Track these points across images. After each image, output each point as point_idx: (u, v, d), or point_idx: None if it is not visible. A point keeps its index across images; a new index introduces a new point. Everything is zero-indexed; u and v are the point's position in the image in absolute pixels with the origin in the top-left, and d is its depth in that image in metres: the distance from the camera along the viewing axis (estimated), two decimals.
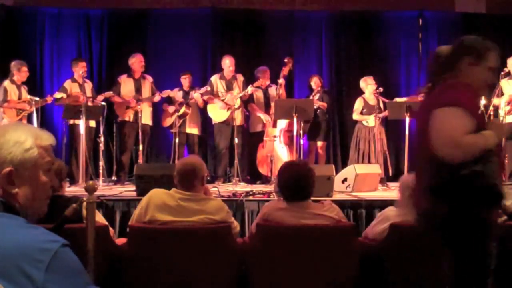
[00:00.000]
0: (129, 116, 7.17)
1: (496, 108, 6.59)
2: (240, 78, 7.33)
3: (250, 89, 7.04)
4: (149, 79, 7.39)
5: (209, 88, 7.16)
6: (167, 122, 7.42)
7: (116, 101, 7.14)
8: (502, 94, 6.70)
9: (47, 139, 1.35)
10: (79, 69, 7.06)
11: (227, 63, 7.25)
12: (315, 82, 7.55)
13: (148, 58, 8.31)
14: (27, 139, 1.29)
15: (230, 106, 7.05)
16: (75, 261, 1.21)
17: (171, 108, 7.33)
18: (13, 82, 6.80)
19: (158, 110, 7.64)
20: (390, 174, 7.03)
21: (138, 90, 7.23)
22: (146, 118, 7.16)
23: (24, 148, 1.28)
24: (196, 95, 7.20)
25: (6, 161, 1.27)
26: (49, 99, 6.85)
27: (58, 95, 6.97)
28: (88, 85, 7.22)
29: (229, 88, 7.23)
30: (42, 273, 1.13)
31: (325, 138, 7.69)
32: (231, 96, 7.10)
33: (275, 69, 7.32)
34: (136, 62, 7.22)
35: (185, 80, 7.44)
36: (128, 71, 7.29)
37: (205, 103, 7.31)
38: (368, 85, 7.21)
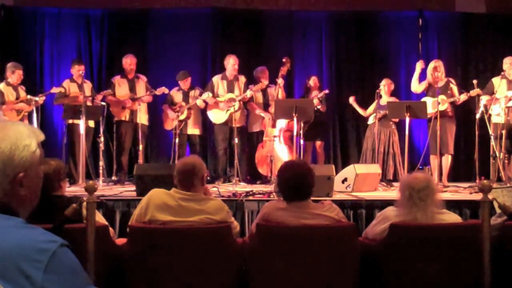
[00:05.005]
0: (125, 116, 7.17)
1: (485, 106, 6.57)
2: (242, 79, 7.31)
3: (249, 92, 7.04)
4: (143, 78, 7.38)
5: (210, 95, 7.14)
6: (169, 125, 7.40)
7: (112, 101, 7.13)
8: (492, 92, 6.69)
9: (40, 134, 1.36)
10: (75, 71, 7.08)
11: (231, 61, 7.22)
12: (313, 81, 7.52)
13: (148, 58, 8.35)
14: (32, 141, 1.31)
15: (228, 107, 7.04)
16: (73, 261, 1.21)
17: (171, 114, 7.28)
18: (8, 84, 6.79)
19: (156, 111, 7.64)
20: (391, 176, 6.98)
21: (132, 89, 7.22)
22: (142, 118, 7.14)
23: (31, 150, 1.30)
24: (199, 102, 7.20)
25: (18, 166, 1.27)
26: (40, 100, 6.82)
27: (56, 90, 6.99)
28: (88, 85, 7.20)
29: (230, 89, 7.21)
30: (41, 273, 1.13)
31: (322, 138, 7.69)
32: (227, 99, 7.08)
33: (275, 69, 7.31)
34: (126, 64, 7.25)
35: (184, 83, 7.41)
36: (122, 72, 7.29)
37: (206, 104, 7.30)
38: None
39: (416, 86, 7.07)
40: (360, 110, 7.50)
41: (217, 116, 7.24)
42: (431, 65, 6.91)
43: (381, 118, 7.01)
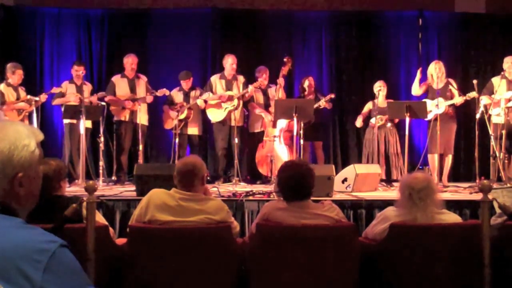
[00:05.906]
0: (124, 116, 7.16)
1: (485, 106, 6.56)
2: (241, 79, 7.30)
3: (250, 88, 7.03)
4: (144, 78, 7.37)
5: (211, 95, 7.15)
6: (169, 124, 7.40)
7: (112, 101, 7.12)
8: (492, 92, 6.69)
9: (39, 134, 1.37)
10: (74, 72, 7.10)
11: (230, 61, 7.22)
12: (309, 82, 7.49)
13: (148, 58, 8.34)
14: (31, 141, 1.31)
15: (226, 99, 7.04)
16: (73, 262, 1.21)
17: (172, 114, 7.29)
18: (8, 84, 6.79)
19: (156, 111, 7.64)
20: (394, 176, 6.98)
21: (132, 90, 7.22)
22: (142, 118, 7.13)
23: (30, 150, 1.30)
24: (200, 102, 7.21)
25: (17, 166, 1.28)
26: (42, 98, 6.84)
27: (56, 90, 7.02)
28: (87, 87, 7.21)
29: (228, 88, 7.21)
30: (40, 274, 1.13)
31: (321, 138, 7.68)
32: (227, 96, 7.10)
33: (275, 69, 7.30)
34: (128, 63, 7.23)
35: (186, 83, 7.41)
36: (122, 71, 7.29)
37: (206, 103, 7.30)
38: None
39: (417, 90, 7.04)
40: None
41: (215, 115, 7.23)
42: (432, 66, 6.91)
43: (385, 122, 7.01)
